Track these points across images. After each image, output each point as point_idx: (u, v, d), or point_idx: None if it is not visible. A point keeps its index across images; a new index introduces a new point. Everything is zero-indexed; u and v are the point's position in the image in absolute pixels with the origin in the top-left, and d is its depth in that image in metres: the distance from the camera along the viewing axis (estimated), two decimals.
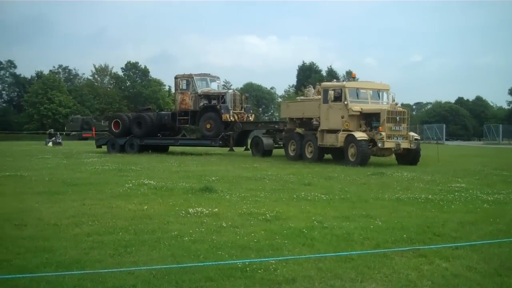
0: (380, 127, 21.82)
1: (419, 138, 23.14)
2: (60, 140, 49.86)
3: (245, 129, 30.92)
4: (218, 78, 34.12)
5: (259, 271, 6.18)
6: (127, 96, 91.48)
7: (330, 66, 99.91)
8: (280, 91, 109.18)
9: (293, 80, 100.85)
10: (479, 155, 32.48)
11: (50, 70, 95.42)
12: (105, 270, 6.08)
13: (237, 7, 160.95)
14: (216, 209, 10.29)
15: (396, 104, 23.30)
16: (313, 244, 7.58)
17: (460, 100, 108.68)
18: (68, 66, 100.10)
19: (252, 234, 8.11)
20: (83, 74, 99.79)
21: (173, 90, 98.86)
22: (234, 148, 30.67)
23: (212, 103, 31.06)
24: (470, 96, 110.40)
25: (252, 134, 32.27)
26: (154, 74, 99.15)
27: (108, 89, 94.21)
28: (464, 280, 5.99)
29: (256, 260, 6.51)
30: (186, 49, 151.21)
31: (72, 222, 9.07)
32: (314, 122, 24.80)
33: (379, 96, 24.11)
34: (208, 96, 31.63)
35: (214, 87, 32.86)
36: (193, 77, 31.59)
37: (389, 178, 16.89)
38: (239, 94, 33.04)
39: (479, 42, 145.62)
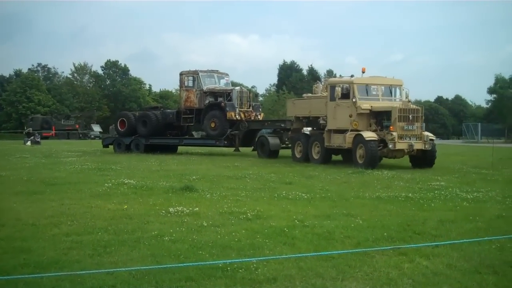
0: (391, 127, 20.00)
1: (434, 138, 21.21)
2: (39, 139, 49.37)
3: (252, 128, 28.88)
4: (227, 74, 32.55)
5: (240, 270, 6.14)
6: (107, 95, 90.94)
7: (311, 65, 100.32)
8: (261, 90, 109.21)
9: (274, 79, 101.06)
10: (458, 154, 32.78)
11: (29, 69, 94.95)
12: (84, 272, 6.00)
13: (218, 5, 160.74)
14: (197, 208, 10.24)
15: (409, 101, 21.53)
16: (294, 243, 7.57)
17: (439, 99, 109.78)
18: (47, 65, 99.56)
19: (233, 233, 8.08)
20: (63, 72, 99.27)
21: (153, 88, 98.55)
22: (240, 148, 29.36)
23: (219, 101, 29.76)
24: (449, 95, 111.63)
25: (260, 134, 29.81)
26: (134, 72, 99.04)
27: (88, 87, 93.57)
28: (444, 278, 6.02)
29: (237, 260, 6.47)
30: (167, 47, 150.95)
31: (50, 222, 8.95)
32: (321, 121, 23.10)
33: (391, 93, 22.13)
34: (214, 94, 30.32)
35: (222, 84, 31.39)
36: (198, 74, 30.30)
37: (370, 176, 16.95)
38: (247, 91, 31.65)
39: (459, 41, 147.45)
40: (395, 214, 9.97)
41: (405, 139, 19.89)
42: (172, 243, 7.49)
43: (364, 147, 19.93)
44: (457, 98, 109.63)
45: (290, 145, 25.83)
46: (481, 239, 7.68)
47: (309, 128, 24.02)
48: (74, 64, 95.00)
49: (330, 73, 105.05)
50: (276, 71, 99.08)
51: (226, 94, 29.61)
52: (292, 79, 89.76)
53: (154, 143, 31.05)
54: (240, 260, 6.49)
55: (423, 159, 20.71)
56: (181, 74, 31.09)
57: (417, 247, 7.22)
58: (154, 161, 23.14)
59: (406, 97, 21.92)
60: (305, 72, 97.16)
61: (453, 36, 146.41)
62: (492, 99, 70.67)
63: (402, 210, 10.43)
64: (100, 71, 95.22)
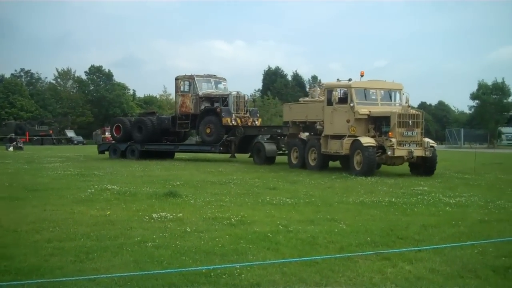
0: (390, 132, 19.26)
1: (435, 144, 20.50)
2: (21, 145, 48.95)
3: (248, 134, 27.91)
4: (224, 79, 31.82)
5: (224, 276, 6.12)
6: (91, 100, 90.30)
7: (296, 71, 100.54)
8: None
9: (258, 85, 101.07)
10: (441, 159, 32.83)
11: (12, 74, 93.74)
12: (66, 278, 5.94)
13: (203, 12, 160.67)
14: (181, 214, 10.20)
15: (409, 106, 20.69)
16: (278, 248, 7.56)
17: (423, 105, 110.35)
18: (30, 70, 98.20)
19: (217, 239, 8.05)
20: (46, 78, 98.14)
21: (137, 94, 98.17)
22: (236, 154, 28.35)
23: (214, 106, 28.98)
24: (432, 101, 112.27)
25: (256, 140, 28.82)
26: (118, 78, 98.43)
27: (71, 93, 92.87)
28: (427, 282, 6.04)
29: (220, 266, 6.45)
30: (151, 53, 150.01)
31: (32, 229, 8.86)
32: (318, 127, 22.47)
33: (390, 97, 21.46)
34: (210, 99, 29.64)
35: (220, 89, 30.56)
36: (194, 78, 29.61)
37: (353, 181, 17.01)
38: (244, 96, 30.36)
39: (442, 48, 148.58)
40: (378, 219, 10.01)
41: (405, 145, 19.19)
42: (155, 249, 7.45)
43: (361, 153, 19.26)
44: (441, 104, 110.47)
45: (286, 151, 25.04)
46: (464, 244, 7.73)
47: (306, 134, 23.54)
48: (57, 70, 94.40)
49: (314, 79, 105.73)
50: (261, 77, 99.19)
51: (223, 99, 28.97)
52: (277, 84, 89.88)
53: (150, 149, 30.34)
54: (223, 266, 6.47)
55: (423, 167, 19.93)
56: (176, 78, 30.49)
57: (400, 251, 7.24)
58: (137, 167, 23.02)
59: (406, 102, 21.15)
60: (289, 78, 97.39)
61: (436, 42, 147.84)
62: (475, 105, 71.31)
63: (385, 215, 10.47)
64: (83, 77, 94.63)
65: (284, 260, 6.73)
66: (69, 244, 7.76)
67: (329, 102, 21.02)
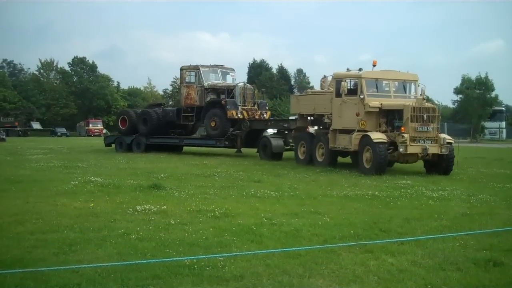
0: (402, 127, 17.59)
1: (452, 141, 18.75)
2: (4, 136, 48.52)
3: (254, 128, 26.26)
4: (232, 70, 30.13)
5: (207, 268, 6.14)
6: (74, 92, 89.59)
7: (281, 63, 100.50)
8: None
9: (243, 77, 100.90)
10: None
11: None
12: (48, 268, 5.92)
13: (188, 3, 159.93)
14: (165, 207, 10.19)
15: (424, 98, 18.90)
16: (262, 241, 7.59)
17: None
18: (13, 61, 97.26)
19: (201, 231, 8.06)
20: (29, 69, 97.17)
21: (122, 86, 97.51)
22: (242, 149, 26.84)
23: (221, 98, 27.45)
24: None
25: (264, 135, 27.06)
26: (102, 69, 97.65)
27: (55, 84, 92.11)
28: (409, 274, 6.10)
29: (203, 256, 6.46)
30: (136, 44, 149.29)
31: (15, 220, 8.81)
32: (326, 120, 20.93)
33: (404, 89, 19.65)
34: (216, 90, 28.06)
35: (229, 80, 28.96)
36: (199, 69, 27.99)
37: (338, 175, 17.08)
38: (251, 87, 28.52)
39: (425, 42, 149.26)
40: (362, 212, 10.08)
41: (418, 142, 17.49)
42: (139, 241, 7.45)
43: (371, 150, 17.60)
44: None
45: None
46: (445, 235, 7.82)
47: (315, 127, 22.46)
48: (40, 61, 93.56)
49: (300, 72, 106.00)
50: (246, 70, 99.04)
51: (229, 91, 27.43)
52: (262, 77, 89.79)
53: (155, 143, 29.27)
54: (207, 256, 6.48)
55: (439, 165, 18.18)
56: (181, 69, 29.05)
57: (382, 244, 7.31)
58: (122, 159, 22.92)
59: (421, 94, 19.37)
60: (274, 70, 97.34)
61: (420, 37, 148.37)
62: (459, 99, 71.75)
63: (369, 208, 10.55)
64: (67, 68, 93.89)
65: (267, 251, 6.76)
66: (52, 236, 7.73)
67: (338, 94, 19.42)
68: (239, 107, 26.51)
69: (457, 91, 69.24)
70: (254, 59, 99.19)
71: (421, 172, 18.21)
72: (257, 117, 27.19)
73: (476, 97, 64.93)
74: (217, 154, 27.57)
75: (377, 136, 17.70)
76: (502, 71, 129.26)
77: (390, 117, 18.67)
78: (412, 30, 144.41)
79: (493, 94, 65.84)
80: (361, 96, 18.46)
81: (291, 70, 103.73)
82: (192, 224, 8.65)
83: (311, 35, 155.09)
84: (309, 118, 22.54)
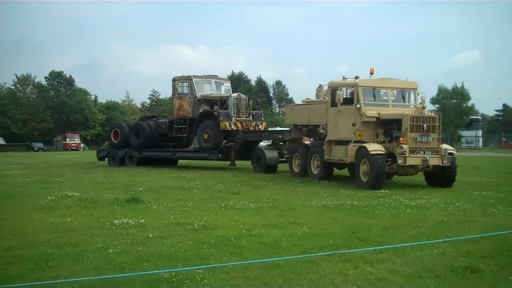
0: (401, 138, 16.64)
1: (454, 152, 17.95)
2: None
3: (249, 140, 25.49)
4: (227, 80, 29.83)
5: (186, 281, 6.10)
6: (51, 106, 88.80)
7: (260, 76, 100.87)
8: None
9: None
10: None
11: None
12: (25, 284, 5.83)
13: (165, 17, 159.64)
14: (143, 220, 10.12)
15: (424, 108, 18.17)
16: (241, 253, 7.57)
17: None
18: None
19: (179, 244, 8.01)
20: (5, 83, 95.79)
21: (99, 99, 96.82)
22: (236, 162, 26.00)
23: (214, 109, 26.63)
24: None
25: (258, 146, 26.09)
26: (79, 83, 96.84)
27: (31, 99, 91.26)
28: (387, 283, 6.13)
29: (182, 269, 6.42)
30: (114, 57, 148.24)
31: None
32: (321, 131, 20.10)
33: (403, 98, 18.73)
34: (209, 101, 27.30)
35: (223, 91, 28.27)
36: (192, 79, 27.20)
37: (316, 185, 17.12)
38: (245, 98, 27.81)
39: (402, 53, 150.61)
40: (340, 222, 10.11)
41: (418, 153, 16.54)
42: (117, 256, 7.38)
43: (368, 162, 16.63)
44: None
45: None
46: (423, 243, 7.87)
47: (311, 138, 21.60)
48: (16, 75, 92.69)
49: (278, 84, 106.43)
50: None
51: (222, 102, 26.70)
52: (240, 89, 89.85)
53: (147, 156, 28.45)
54: (185, 269, 6.44)
55: (440, 177, 17.30)
56: (173, 79, 28.10)
57: (361, 253, 7.33)
58: (99, 173, 22.72)
59: (421, 103, 18.64)
60: (253, 83, 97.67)
61: (397, 48, 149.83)
62: (435, 109, 72.61)
63: (347, 218, 10.58)
64: (44, 82, 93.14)
65: (246, 262, 6.75)
66: (28, 252, 7.63)
67: (333, 103, 18.50)
68: (233, 118, 25.76)
69: (433, 101, 69.92)
70: (232, 71, 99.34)
71: (416, 184, 18.22)
72: (251, 128, 26.42)
73: (452, 107, 65.63)
74: (202, 167, 27.44)
75: (374, 148, 16.72)
76: (478, 81, 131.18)
77: (388, 127, 17.81)
78: (389, 42, 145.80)
79: (469, 103, 66.59)
80: (358, 105, 17.65)
81: (270, 82, 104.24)
82: (171, 237, 8.59)
83: (289, 47, 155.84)
84: (304, 129, 21.71)
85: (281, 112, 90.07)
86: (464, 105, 66.88)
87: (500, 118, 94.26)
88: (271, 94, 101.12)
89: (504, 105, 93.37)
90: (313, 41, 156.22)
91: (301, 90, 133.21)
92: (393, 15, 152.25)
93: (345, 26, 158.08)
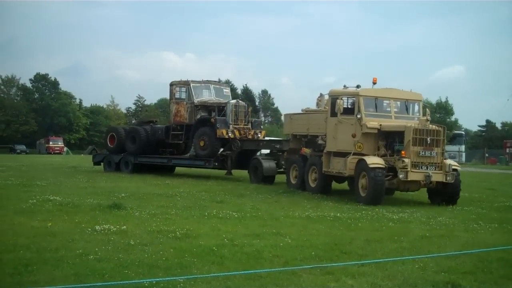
0: (403, 151, 15.77)
1: (459, 167, 16.90)
2: None
3: (246, 148, 24.49)
4: (227, 86, 28.89)
5: None
6: (35, 108, 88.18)
7: (246, 84, 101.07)
8: None
9: None
10: None
11: None
12: None
13: (153, 23, 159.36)
14: (125, 227, 10.04)
15: (428, 120, 17.08)
16: (223, 262, 7.53)
17: None
18: None
19: (161, 252, 7.96)
20: None
21: (84, 103, 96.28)
22: (233, 171, 25.21)
23: (211, 116, 25.58)
24: None
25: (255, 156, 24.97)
26: (64, 86, 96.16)
27: (15, 100, 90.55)
28: None
29: (163, 279, 6.37)
30: (100, 62, 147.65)
31: None
32: (319, 141, 19.34)
33: (407, 109, 17.80)
34: (207, 107, 26.21)
35: (222, 97, 26.97)
36: (190, 84, 26.14)
37: (300, 196, 17.13)
38: (244, 105, 26.67)
39: (387, 66, 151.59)
40: (323, 234, 10.11)
41: (421, 168, 15.65)
42: (97, 262, 7.31)
43: (367, 176, 15.79)
44: None
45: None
46: (405, 258, 7.89)
47: (310, 149, 20.15)
48: (1, 77, 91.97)
49: (265, 93, 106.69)
50: None
51: (220, 109, 25.61)
52: None
53: (142, 162, 27.41)
54: (166, 278, 6.39)
55: (443, 194, 16.46)
56: (171, 84, 27.08)
57: (343, 265, 7.33)
58: (82, 178, 22.54)
59: (424, 115, 17.76)
60: (239, 91, 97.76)
61: (382, 61, 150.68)
62: None
63: (330, 230, 10.59)
64: (28, 84, 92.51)
65: (227, 273, 6.71)
66: (7, 256, 7.54)
67: (333, 113, 17.55)
68: (230, 125, 24.75)
69: None
70: (219, 79, 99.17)
71: (399, 198, 18.26)
72: (250, 136, 25.37)
73: (436, 121, 66.22)
74: (187, 174, 27.34)
75: (373, 161, 15.88)
76: (461, 96, 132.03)
77: (390, 140, 16.93)
78: (375, 55, 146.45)
79: (453, 118, 67.35)
80: (358, 116, 16.77)
81: (256, 91, 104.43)
82: (152, 245, 8.54)
83: (275, 57, 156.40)
84: (302, 139, 20.83)
85: (267, 121, 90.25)
86: (448, 119, 67.56)
87: (483, 134, 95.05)
88: (257, 103, 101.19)
89: (487, 121, 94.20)
90: (300, 51, 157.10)
91: (287, 100, 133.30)
92: (379, 28, 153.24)
93: (332, 37, 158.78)
